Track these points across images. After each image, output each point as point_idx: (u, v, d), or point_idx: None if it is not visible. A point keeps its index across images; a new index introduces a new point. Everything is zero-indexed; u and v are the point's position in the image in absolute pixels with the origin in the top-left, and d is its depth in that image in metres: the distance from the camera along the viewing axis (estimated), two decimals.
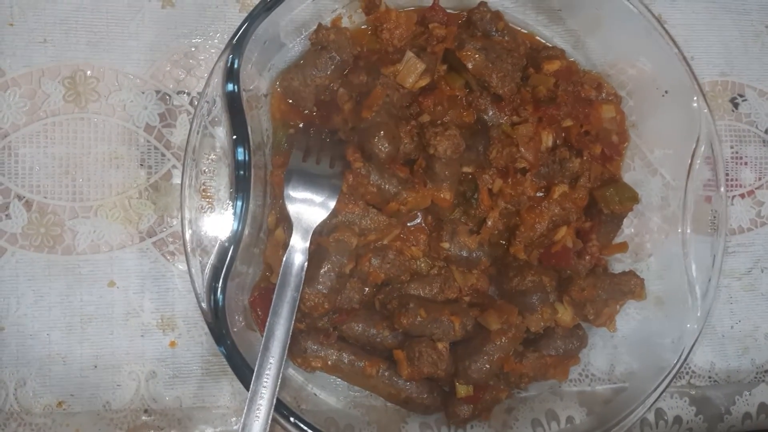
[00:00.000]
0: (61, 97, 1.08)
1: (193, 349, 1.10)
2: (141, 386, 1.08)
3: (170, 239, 1.10)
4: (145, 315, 1.09)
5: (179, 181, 1.04)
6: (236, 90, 0.94)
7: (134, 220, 1.09)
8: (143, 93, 1.11)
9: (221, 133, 1.00)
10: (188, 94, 1.12)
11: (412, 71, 1.04)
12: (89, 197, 1.08)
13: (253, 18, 0.96)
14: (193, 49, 1.12)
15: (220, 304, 0.93)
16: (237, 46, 0.94)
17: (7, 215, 1.06)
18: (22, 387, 1.06)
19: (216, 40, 1.13)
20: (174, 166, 1.10)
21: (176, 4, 1.12)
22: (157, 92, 1.11)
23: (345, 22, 1.13)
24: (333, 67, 1.06)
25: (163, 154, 1.11)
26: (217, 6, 1.14)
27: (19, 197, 1.06)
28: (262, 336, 1.05)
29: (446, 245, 1.09)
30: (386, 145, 1.00)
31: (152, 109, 1.11)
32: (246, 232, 0.97)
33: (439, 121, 1.07)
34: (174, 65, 1.12)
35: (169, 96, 1.11)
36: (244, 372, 0.93)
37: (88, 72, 1.09)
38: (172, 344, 1.10)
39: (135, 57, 1.11)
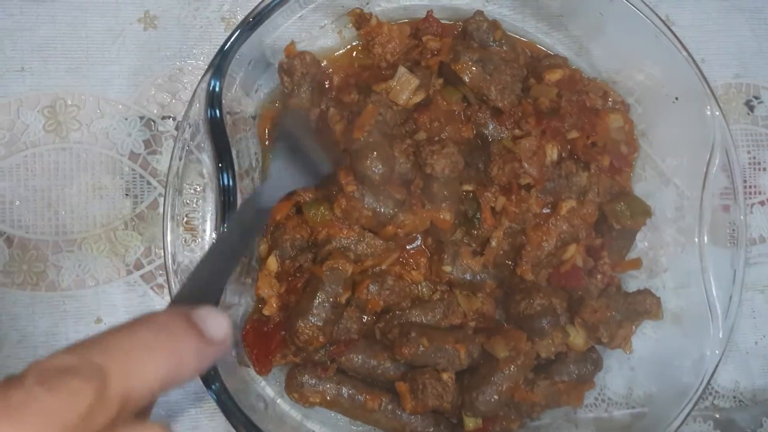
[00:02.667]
0: (41, 127, 1.04)
1: (186, 386, 1.05)
2: None
3: (159, 272, 1.05)
4: None
5: None
6: (219, 115, 0.89)
7: (120, 252, 1.05)
8: (126, 119, 1.06)
9: (207, 159, 0.95)
10: (174, 118, 1.07)
11: (406, 87, 0.99)
12: (73, 230, 1.04)
13: (236, 39, 0.91)
14: (177, 72, 1.08)
15: None
16: (218, 68, 0.90)
17: None
18: None
19: (201, 62, 1.08)
20: (160, 195, 1.06)
21: (159, 26, 1.08)
22: (141, 118, 1.06)
23: (334, 38, 1.08)
24: (310, 89, 1.00)
25: (148, 183, 1.06)
26: (201, 26, 1.09)
27: (0, 233, 1.02)
28: (257, 372, 1.00)
29: (448, 268, 1.03)
30: (380, 166, 0.95)
31: (136, 135, 1.06)
32: None
33: (436, 138, 1.01)
34: (158, 89, 1.07)
35: (154, 122, 1.07)
36: (236, 415, 0.88)
37: (69, 100, 1.05)
38: None
39: (117, 82, 1.06)
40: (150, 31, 1.08)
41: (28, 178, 1.03)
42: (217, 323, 0.49)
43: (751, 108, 1.25)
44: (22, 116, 1.03)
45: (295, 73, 0.99)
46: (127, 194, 1.05)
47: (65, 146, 1.04)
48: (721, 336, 1.00)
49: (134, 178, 1.06)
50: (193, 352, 0.46)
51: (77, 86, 1.05)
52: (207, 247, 0.93)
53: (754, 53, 1.26)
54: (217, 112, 0.89)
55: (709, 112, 1.01)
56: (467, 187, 1.03)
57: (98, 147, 1.05)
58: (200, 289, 0.62)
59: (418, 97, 1.00)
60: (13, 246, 1.02)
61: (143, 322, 0.46)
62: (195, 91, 0.91)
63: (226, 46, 0.90)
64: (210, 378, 0.87)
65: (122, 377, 0.41)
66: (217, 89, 0.89)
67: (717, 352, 1.00)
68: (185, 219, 0.93)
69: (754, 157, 1.24)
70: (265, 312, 0.99)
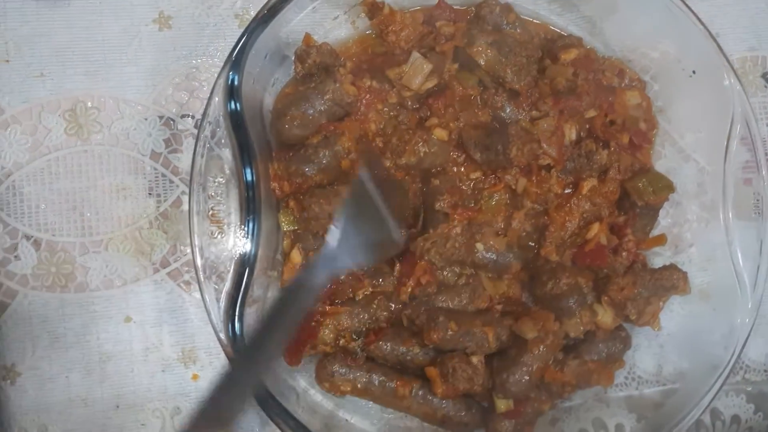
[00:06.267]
0: (62, 131, 1.05)
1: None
2: (166, 424, 1.04)
3: (185, 268, 1.06)
4: (165, 349, 1.05)
5: None
6: (238, 108, 0.90)
7: (146, 251, 1.06)
8: (146, 119, 1.07)
9: (228, 154, 0.95)
10: (192, 116, 1.08)
11: (419, 72, 0.99)
12: (99, 231, 1.05)
13: (251, 32, 0.91)
14: (194, 70, 1.09)
15: (239, 332, 0.89)
16: (236, 62, 0.90)
17: (16, 256, 1.02)
18: None
19: (217, 59, 1.09)
20: (183, 193, 1.06)
21: (173, 25, 1.09)
22: (161, 117, 1.07)
23: (348, 29, 1.08)
24: (319, 79, 1.01)
25: (171, 181, 1.07)
26: (215, 24, 1.10)
27: (27, 237, 1.03)
28: (287, 363, 1.00)
29: (480, 246, 1.02)
30: None
31: (156, 135, 1.07)
32: (260, 254, 0.93)
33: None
34: (176, 88, 1.08)
35: (173, 120, 1.08)
36: (268, 403, 0.88)
37: (89, 103, 1.06)
38: (195, 377, 1.06)
39: (135, 83, 1.07)
40: (165, 31, 1.09)
41: (53, 182, 1.04)
42: None
43: None
44: (43, 121, 1.04)
45: (307, 60, 0.99)
46: (150, 193, 1.06)
47: (87, 148, 1.05)
48: (750, 306, 0.99)
49: (156, 177, 1.07)
50: None
51: (96, 89, 1.06)
52: (233, 242, 0.94)
53: None
54: (237, 105, 0.90)
55: (727, 83, 1.01)
56: (474, 175, 1.03)
57: (120, 148, 1.06)
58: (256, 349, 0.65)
59: (431, 82, 1.01)
60: (40, 249, 1.03)
61: None
62: (213, 87, 0.92)
63: (242, 41, 0.91)
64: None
65: None
66: (235, 83, 0.89)
67: (747, 320, 0.99)
68: (210, 212, 0.94)
69: None
70: None
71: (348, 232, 0.78)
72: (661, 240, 1.10)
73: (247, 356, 0.68)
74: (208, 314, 0.91)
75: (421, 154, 1.01)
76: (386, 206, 0.83)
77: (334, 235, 0.78)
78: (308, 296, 0.74)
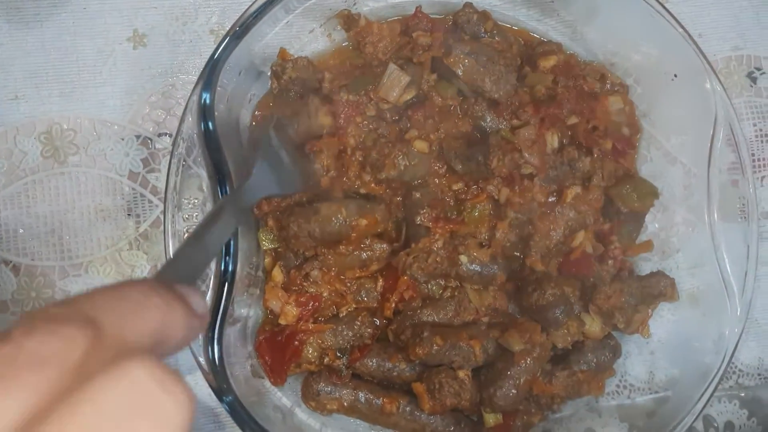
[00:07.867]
0: (38, 154, 1.04)
1: (202, 401, 1.04)
2: None
3: None
4: None
5: None
6: (211, 127, 0.89)
7: (127, 273, 1.04)
8: (123, 139, 1.06)
9: (205, 173, 0.94)
10: (170, 135, 1.07)
11: (396, 84, 0.98)
12: (78, 254, 1.04)
13: (223, 49, 0.90)
14: (170, 88, 1.08)
15: (218, 355, 0.87)
16: (208, 80, 0.89)
17: None
18: None
19: (192, 76, 1.08)
20: (162, 212, 1.05)
21: (148, 43, 1.08)
22: (138, 137, 1.06)
23: (324, 42, 1.07)
24: (297, 94, 1.00)
25: (150, 201, 1.06)
26: (190, 41, 1.09)
27: (6, 262, 1.02)
28: (272, 383, 0.99)
29: (464, 258, 1.01)
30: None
31: (134, 155, 1.06)
32: (240, 273, 0.92)
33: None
34: (152, 107, 1.07)
35: (151, 139, 1.06)
36: (250, 427, 0.87)
37: (64, 124, 1.05)
38: None
39: (111, 103, 1.06)
40: (140, 49, 1.08)
41: (30, 206, 1.03)
42: (199, 298, 0.48)
43: (754, 80, 1.23)
44: (19, 144, 1.03)
45: (282, 75, 0.98)
46: (129, 214, 1.05)
47: (64, 171, 1.04)
48: (739, 313, 0.98)
49: (135, 197, 1.05)
50: (181, 319, 0.44)
51: (72, 110, 1.05)
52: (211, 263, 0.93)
53: (752, 23, 1.23)
54: (210, 124, 0.88)
55: (709, 86, 0.99)
56: (456, 186, 1.02)
57: (97, 169, 1.05)
58: (177, 278, 0.57)
59: (410, 94, 1.00)
60: (20, 274, 1.02)
61: (131, 284, 0.44)
62: (186, 104, 0.91)
63: (214, 58, 0.89)
64: (223, 391, 0.86)
65: (116, 327, 0.38)
66: (207, 101, 0.88)
67: (736, 330, 0.98)
68: (186, 233, 0.93)
69: (761, 129, 1.22)
70: (282, 321, 0.98)
71: (264, 170, 0.89)
72: (647, 246, 1.08)
73: (171, 267, 0.65)
74: None
75: (402, 168, 0.99)
76: (289, 158, 0.95)
77: (257, 169, 0.88)
78: (236, 214, 0.76)
